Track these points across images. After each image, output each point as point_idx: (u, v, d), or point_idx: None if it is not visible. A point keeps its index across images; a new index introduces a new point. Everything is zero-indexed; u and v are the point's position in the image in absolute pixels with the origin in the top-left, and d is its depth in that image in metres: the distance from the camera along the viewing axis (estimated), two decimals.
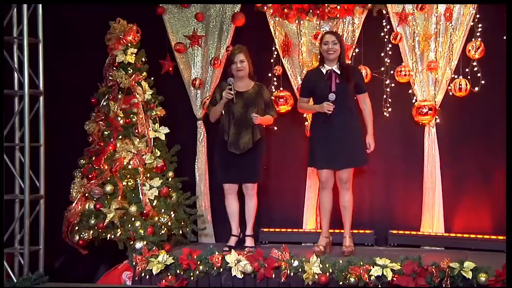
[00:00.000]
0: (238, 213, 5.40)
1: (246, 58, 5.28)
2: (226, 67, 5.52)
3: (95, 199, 5.34)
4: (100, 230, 5.30)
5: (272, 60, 5.81)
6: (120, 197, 5.29)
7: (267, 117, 5.31)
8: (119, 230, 5.25)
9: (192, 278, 4.78)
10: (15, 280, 5.06)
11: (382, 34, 5.60)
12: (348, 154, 5.05)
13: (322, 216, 5.21)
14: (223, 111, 5.29)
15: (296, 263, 4.62)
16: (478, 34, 5.36)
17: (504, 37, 5.13)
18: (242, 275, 4.68)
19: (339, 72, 5.09)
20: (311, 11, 5.69)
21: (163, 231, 5.30)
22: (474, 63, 5.39)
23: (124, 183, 5.33)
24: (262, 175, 5.37)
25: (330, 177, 5.11)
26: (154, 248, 4.98)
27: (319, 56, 5.27)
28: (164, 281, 4.80)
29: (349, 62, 5.64)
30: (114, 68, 5.57)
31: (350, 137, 5.06)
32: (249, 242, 5.34)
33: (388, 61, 5.57)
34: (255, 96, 5.28)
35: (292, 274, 4.62)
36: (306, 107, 5.30)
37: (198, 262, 4.77)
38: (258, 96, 5.30)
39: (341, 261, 4.60)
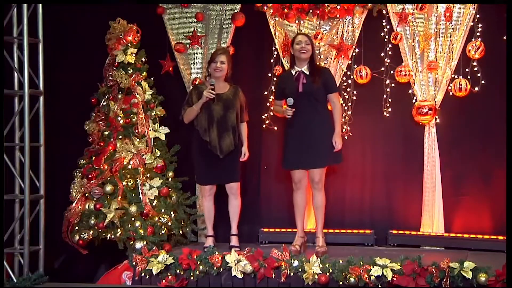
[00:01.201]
0: (214, 215, 5.41)
1: (227, 61, 5.28)
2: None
3: (95, 199, 5.34)
4: (100, 230, 5.31)
5: (272, 60, 5.81)
6: (120, 197, 5.29)
7: (245, 136, 5.37)
8: (119, 230, 5.25)
9: (192, 278, 4.78)
10: (15, 280, 5.07)
11: (382, 34, 5.60)
12: (318, 154, 5.06)
13: (296, 216, 5.24)
14: (199, 112, 5.27)
15: (296, 263, 4.62)
16: (478, 34, 5.36)
17: (504, 37, 5.13)
18: (242, 275, 4.68)
19: (307, 73, 5.12)
20: (311, 11, 5.69)
21: (163, 231, 5.30)
22: (474, 63, 5.39)
23: (124, 183, 5.33)
24: (241, 174, 5.37)
25: (302, 178, 5.14)
26: (154, 248, 4.98)
27: (290, 59, 5.32)
28: (164, 281, 4.80)
29: (349, 62, 5.66)
30: (114, 68, 5.57)
31: (320, 137, 5.06)
32: (234, 241, 5.34)
33: (388, 61, 5.58)
34: (232, 98, 5.29)
35: (292, 274, 4.62)
36: (277, 110, 5.37)
37: (198, 262, 4.77)
38: (235, 98, 5.31)
39: (341, 261, 4.60)
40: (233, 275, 4.69)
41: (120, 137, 5.49)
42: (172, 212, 5.43)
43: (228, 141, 5.21)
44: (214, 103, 5.19)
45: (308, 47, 5.11)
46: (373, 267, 4.48)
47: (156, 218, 5.29)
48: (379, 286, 4.46)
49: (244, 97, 5.41)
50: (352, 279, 4.47)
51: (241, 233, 5.59)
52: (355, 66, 5.64)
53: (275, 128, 5.77)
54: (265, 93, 5.82)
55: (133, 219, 5.26)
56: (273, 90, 5.75)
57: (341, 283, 4.51)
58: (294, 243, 5.14)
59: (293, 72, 5.18)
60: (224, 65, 5.26)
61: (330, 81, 5.21)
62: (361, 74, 5.57)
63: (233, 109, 5.25)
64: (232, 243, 5.32)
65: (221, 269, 4.74)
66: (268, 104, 5.80)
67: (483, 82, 5.36)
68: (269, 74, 5.81)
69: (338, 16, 5.63)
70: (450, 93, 5.44)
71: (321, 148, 5.08)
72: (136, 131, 5.48)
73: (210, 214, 5.41)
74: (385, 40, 5.59)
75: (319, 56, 5.61)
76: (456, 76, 5.43)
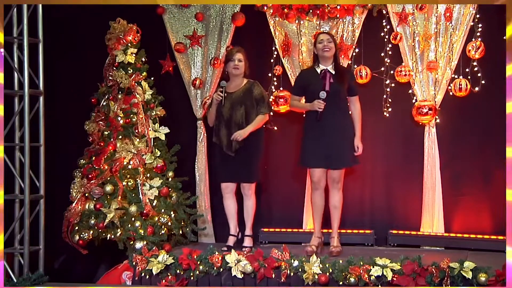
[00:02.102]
0: (236, 213, 5.39)
1: (244, 59, 5.28)
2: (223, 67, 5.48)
3: (95, 199, 5.34)
4: (100, 230, 5.31)
5: (272, 60, 5.81)
6: (120, 197, 5.29)
7: (255, 122, 5.21)
8: (119, 230, 5.25)
9: (192, 278, 4.78)
10: (15, 280, 5.07)
11: (382, 34, 5.60)
12: (340, 154, 5.07)
13: (314, 216, 5.22)
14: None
15: (296, 263, 4.62)
16: (478, 34, 5.36)
17: (504, 37, 5.12)
18: (242, 275, 4.68)
19: (333, 72, 5.10)
20: (311, 11, 5.69)
21: (163, 231, 5.29)
22: (474, 63, 5.39)
23: (124, 183, 5.33)
24: (259, 174, 5.35)
25: (322, 177, 5.12)
26: (154, 248, 4.98)
27: (312, 56, 5.28)
28: (164, 281, 4.80)
29: (349, 62, 5.66)
30: (114, 68, 5.57)
31: (343, 137, 5.08)
32: (247, 242, 5.34)
33: (388, 61, 5.58)
34: (242, 95, 5.27)
35: (292, 274, 4.62)
36: (297, 105, 5.32)
37: (198, 262, 4.77)
38: (246, 94, 5.27)
39: (341, 261, 4.60)
40: (233, 275, 4.69)
41: (120, 137, 5.49)
42: (172, 212, 5.43)
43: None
44: (223, 104, 5.21)
45: (330, 45, 5.09)
46: (373, 267, 4.49)
47: (156, 218, 5.29)
48: (379, 286, 4.46)
49: (261, 90, 5.30)
50: (352, 279, 4.47)
51: (241, 233, 5.59)
52: (355, 66, 5.64)
53: (275, 128, 5.77)
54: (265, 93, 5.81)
55: (133, 219, 5.26)
56: (273, 90, 5.75)
57: (341, 283, 4.51)
58: (310, 243, 5.13)
59: (318, 70, 5.15)
60: (241, 63, 5.25)
61: (354, 83, 5.26)
62: (361, 74, 5.57)
63: (240, 106, 5.23)
64: (245, 243, 5.32)
65: (221, 269, 4.74)
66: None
67: (483, 82, 5.36)
68: (269, 74, 5.81)
69: (338, 16, 5.63)
70: (450, 93, 5.44)
71: (344, 149, 5.08)
72: (136, 131, 5.48)
73: (231, 211, 5.38)
74: (385, 40, 5.59)
75: None
76: (456, 76, 5.43)
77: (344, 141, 5.09)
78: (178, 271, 4.80)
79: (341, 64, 5.34)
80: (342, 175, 5.14)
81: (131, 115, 5.50)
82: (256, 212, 5.43)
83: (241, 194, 5.37)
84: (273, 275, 4.66)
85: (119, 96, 5.55)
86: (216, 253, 4.78)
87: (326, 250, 5.12)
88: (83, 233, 5.32)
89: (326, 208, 5.21)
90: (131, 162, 5.39)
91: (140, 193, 5.33)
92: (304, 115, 5.35)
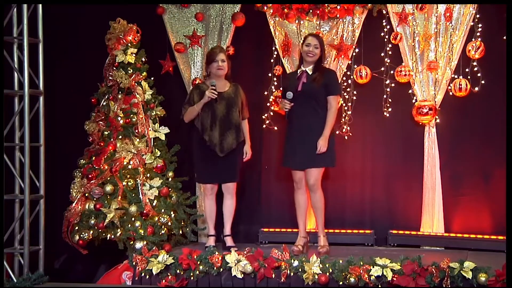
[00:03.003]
0: (215, 214, 5.42)
1: (226, 59, 5.29)
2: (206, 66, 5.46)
3: (95, 199, 5.34)
4: (100, 230, 5.31)
5: (272, 60, 5.81)
6: (120, 197, 5.29)
7: (247, 135, 5.39)
8: (119, 230, 5.25)
9: (192, 278, 4.78)
10: (15, 280, 5.07)
11: (382, 34, 5.60)
12: (305, 155, 5.01)
13: (298, 216, 5.21)
14: (200, 111, 5.28)
15: (296, 263, 4.62)
16: (478, 34, 5.36)
17: (504, 37, 5.13)
18: (242, 275, 4.68)
19: (310, 73, 5.09)
20: (311, 11, 5.69)
21: (163, 231, 5.29)
22: (474, 63, 5.39)
23: (124, 183, 5.33)
24: (239, 174, 5.37)
25: (303, 177, 5.11)
26: (154, 248, 4.98)
27: (299, 56, 5.28)
28: (164, 281, 4.80)
29: (349, 62, 5.65)
30: (114, 68, 5.57)
31: (310, 138, 5.00)
32: (229, 241, 5.35)
33: (388, 61, 5.58)
34: (234, 96, 5.30)
35: (292, 274, 4.62)
36: (280, 107, 5.28)
37: (198, 262, 4.77)
38: (237, 96, 5.32)
39: (341, 261, 4.60)
40: (233, 275, 4.69)
41: (120, 137, 5.49)
42: (172, 212, 5.43)
43: (230, 140, 5.22)
44: (217, 102, 5.19)
45: (316, 51, 5.05)
46: (373, 267, 4.48)
47: (156, 218, 5.29)
48: (379, 286, 4.46)
49: (244, 94, 5.40)
50: (352, 279, 4.47)
51: (241, 233, 5.59)
52: (355, 66, 5.64)
53: (275, 128, 5.77)
54: (265, 93, 5.82)
55: (133, 219, 5.26)
56: (273, 90, 5.78)
57: (341, 283, 4.51)
58: (296, 243, 5.13)
59: (298, 71, 5.17)
60: (225, 63, 5.27)
61: (332, 83, 5.11)
62: (361, 74, 5.57)
63: (235, 107, 5.26)
64: (228, 243, 5.33)
65: (221, 269, 4.74)
66: (268, 104, 5.81)
67: (483, 82, 5.36)
68: (269, 74, 5.81)
69: (338, 16, 5.63)
70: (450, 93, 5.44)
71: (309, 150, 5.01)
72: (136, 131, 5.48)
73: (212, 213, 5.41)
74: (385, 40, 5.59)
75: None
76: (456, 76, 5.43)
77: (311, 142, 4.98)
78: (178, 271, 4.80)
79: (324, 64, 5.28)
80: (318, 176, 5.05)
81: (131, 115, 5.50)
82: (256, 212, 5.43)
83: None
84: (273, 275, 4.65)
85: (119, 96, 5.56)
86: (216, 253, 4.78)
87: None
88: (83, 233, 5.32)
89: (328, 208, 5.20)
90: (131, 162, 5.39)
91: (140, 193, 5.33)
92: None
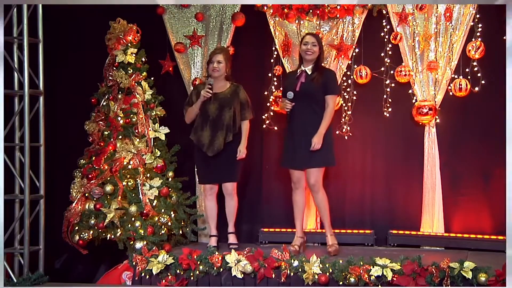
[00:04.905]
0: (217, 215, 5.42)
1: (225, 60, 5.27)
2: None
3: (95, 199, 5.34)
4: (100, 230, 5.31)
5: (272, 60, 5.81)
6: (120, 197, 5.29)
7: (246, 131, 5.30)
8: (119, 230, 5.25)
9: (192, 278, 4.78)
10: (15, 280, 5.07)
11: (382, 34, 5.60)
12: (305, 154, 5.00)
13: (295, 216, 5.22)
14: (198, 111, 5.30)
15: (296, 263, 4.63)
16: (478, 34, 5.36)
17: (504, 37, 5.12)
18: (242, 275, 4.68)
19: (309, 73, 5.09)
20: (311, 11, 5.69)
21: (163, 231, 5.30)
22: (474, 63, 5.39)
23: (124, 183, 5.33)
24: (240, 173, 5.35)
25: (301, 177, 5.11)
26: (154, 248, 4.98)
27: (298, 56, 5.27)
28: (164, 281, 4.80)
29: (349, 62, 5.65)
30: (114, 68, 5.57)
31: (309, 137, 4.98)
32: (232, 239, 5.37)
33: (388, 61, 5.58)
34: (230, 97, 5.29)
35: (292, 274, 4.62)
36: (281, 107, 5.27)
37: (198, 262, 4.77)
38: (234, 97, 5.29)
39: (341, 261, 4.60)
40: (233, 275, 4.69)
41: (120, 137, 5.49)
42: (172, 212, 5.43)
43: (219, 140, 5.21)
44: (210, 103, 5.19)
45: (314, 48, 5.08)
46: (373, 267, 4.48)
47: (156, 218, 5.29)
48: (379, 286, 4.46)
49: (246, 95, 5.38)
50: (352, 279, 4.47)
51: (241, 233, 5.59)
52: (355, 66, 5.64)
53: (275, 128, 5.77)
54: (265, 93, 5.82)
55: (133, 219, 5.26)
56: (273, 90, 5.78)
57: (341, 283, 4.51)
58: (293, 243, 5.14)
59: (298, 71, 5.17)
60: (221, 65, 5.26)
61: (330, 83, 5.10)
62: (361, 74, 5.57)
63: (228, 108, 5.24)
64: (230, 240, 5.35)
65: (221, 269, 4.74)
66: (268, 104, 5.81)
67: (483, 82, 5.36)
68: (269, 74, 5.81)
69: (338, 16, 5.63)
70: (450, 93, 5.44)
71: (309, 149, 4.99)
72: (136, 131, 5.48)
73: (212, 213, 5.42)
74: (385, 40, 5.59)
75: None
76: (456, 76, 5.43)
77: (309, 142, 4.97)
78: (178, 271, 4.80)
79: (323, 64, 5.30)
80: (318, 176, 5.05)
81: (131, 115, 5.50)
82: (256, 212, 5.43)
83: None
84: (273, 275, 4.66)
85: (119, 96, 5.56)
86: (216, 253, 4.78)
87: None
88: (83, 233, 5.32)
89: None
90: (131, 162, 5.39)
91: (140, 193, 5.33)
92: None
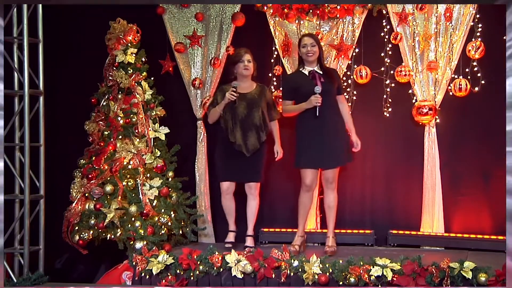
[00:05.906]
0: (235, 211, 5.45)
1: (252, 60, 5.33)
2: (227, 67, 5.54)
3: (95, 199, 5.34)
4: (100, 230, 5.31)
5: (272, 60, 5.81)
6: (120, 197, 5.29)
7: (277, 131, 5.44)
8: (119, 230, 5.25)
9: (192, 278, 4.78)
10: (15, 280, 5.07)
11: (382, 34, 5.60)
12: (334, 152, 5.08)
13: (300, 216, 5.22)
14: (222, 113, 5.32)
15: (296, 263, 4.63)
16: (478, 34, 5.37)
17: (504, 37, 5.12)
18: (242, 275, 4.68)
19: (321, 73, 5.14)
20: (311, 11, 5.69)
21: (163, 231, 5.29)
22: (474, 63, 5.39)
23: (124, 183, 5.33)
24: (263, 174, 5.39)
25: (315, 179, 5.15)
26: (154, 248, 4.98)
27: (298, 58, 5.29)
28: (164, 281, 4.80)
29: (349, 62, 5.66)
30: (114, 68, 5.57)
31: (335, 135, 5.09)
32: (250, 242, 5.36)
33: (388, 61, 5.58)
34: (258, 98, 5.31)
35: (292, 274, 4.62)
36: (292, 109, 5.23)
37: (198, 262, 4.77)
38: (261, 97, 5.33)
39: (341, 261, 4.60)
40: (233, 275, 4.69)
41: (120, 137, 5.49)
42: (172, 212, 5.43)
43: (253, 140, 5.24)
44: (238, 103, 5.22)
45: (314, 49, 5.11)
46: (373, 267, 4.49)
47: (156, 218, 5.29)
48: (379, 286, 4.46)
49: (271, 96, 5.48)
50: (352, 279, 4.47)
51: (242, 233, 5.59)
52: (355, 66, 5.64)
53: None
54: None
55: (133, 219, 5.26)
56: (273, 90, 5.77)
57: (341, 283, 4.51)
58: (294, 243, 5.14)
59: (306, 72, 5.17)
60: (251, 64, 5.31)
61: (340, 82, 5.35)
62: (361, 74, 5.58)
63: (257, 108, 5.27)
64: (247, 243, 5.35)
65: (221, 269, 4.74)
66: None
67: (483, 82, 5.36)
68: (269, 74, 5.81)
69: (338, 16, 5.63)
70: (450, 93, 5.44)
71: (337, 147, 5.10)
72: (136, 131, 5.48)
73: (230, 211, 5.44)
74: (385, 40, 5.59)
75: None
76: (456, 76, 5.43)
77: (337, 140, 5.09)
78: (178, 271, 4.80)
79: (325, 63, 5.33)
80: (336, 174, 5.15)
81: (131, 115, 5.50)
82: (257, 212, 5.42)
83: (240, 195, 5.38)
84: (273, 275, 4.66)
85: (119, 96, 5.56)
86: (216, 253, 4.78)
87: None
88: (83, 233, 5.31)
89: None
90: (131, 162, 5.39)
91: (140, 193, 5.33)
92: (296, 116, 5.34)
